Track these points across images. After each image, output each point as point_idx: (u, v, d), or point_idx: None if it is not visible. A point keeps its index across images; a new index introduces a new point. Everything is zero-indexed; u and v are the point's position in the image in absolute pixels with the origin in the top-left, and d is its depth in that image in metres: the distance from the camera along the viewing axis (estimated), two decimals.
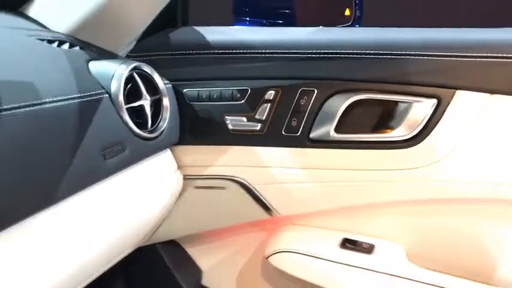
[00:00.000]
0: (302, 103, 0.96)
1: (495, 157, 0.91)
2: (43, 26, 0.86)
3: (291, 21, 1.50)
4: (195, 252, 1.27)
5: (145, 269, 1.26)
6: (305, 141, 0.98)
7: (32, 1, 0.88)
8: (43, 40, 0.79)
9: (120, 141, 0.81)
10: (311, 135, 0.97)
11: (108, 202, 0.81)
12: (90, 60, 0.84)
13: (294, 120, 0.97)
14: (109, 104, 0.80)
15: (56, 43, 0.81)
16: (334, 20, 1.44)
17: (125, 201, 0.85)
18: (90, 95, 0.76)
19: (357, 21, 1.53)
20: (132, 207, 0.87)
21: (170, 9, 1.07)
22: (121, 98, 0.81)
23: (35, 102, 0.64)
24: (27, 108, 0.62)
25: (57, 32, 0.85)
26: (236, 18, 1.47)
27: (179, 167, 1.04)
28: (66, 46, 0.83)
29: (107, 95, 0.80)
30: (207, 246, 1.25)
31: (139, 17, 0.94)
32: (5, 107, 0.59)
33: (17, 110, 0.61)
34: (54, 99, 0.68)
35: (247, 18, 1.46)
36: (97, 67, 0.83)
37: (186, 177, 1.05)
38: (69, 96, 0.71)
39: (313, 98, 0.96)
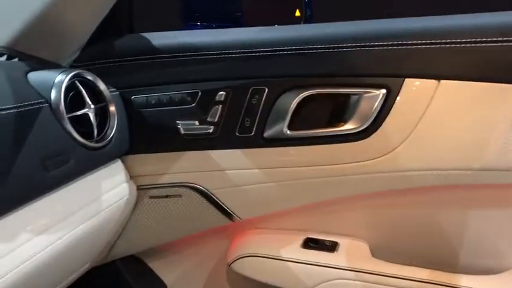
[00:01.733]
0: (254, 102, 0.94)
1: (447, 144, 0.91)
2: None
3: (241, 24, 1.49)
4: (158, 266, 1.23)
5: (106, 286, 1.21)
6: (259, 141, 0.96)
7: None
8: None
9: (63, 151, 0.77)
10: (265, 135, 0.95)
11: (55, 217, 0.77)
12: (30, 71, 0.80)
13: (247, 121, 0.95)
14: (49, 113, 0.76)
15: None
16: (284, 21, 1.44)
17: (73, 215, 0.81)
18: (28, 105, 0.73)
19: (307, 21, 1.54)
20: (82, 221, 0.83)
21: (115, 17, 1.04)
22: (62, 106, 0.77)
23: None
24: None
25: None
26: (184, 24, 1.45)
27: (132, 177, 1.00)
28: (3, 58, 0.79)
29: (47, 104, 0.76)
30: (169, 259, 1.21)
31: (81, 26, 0.91)
32: None
33: None
34: None
35: (196, 23, 1.44)
36: (36, 77, 0.79)
37: (140, 188, 1.02)
38: (4, 107, 0.68)
39: (264, 97, 0.94)
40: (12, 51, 0.83)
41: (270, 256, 1.03)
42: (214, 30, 1.02)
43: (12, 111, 0.69)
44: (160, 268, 1.23)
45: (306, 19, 1.48)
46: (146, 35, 1.04)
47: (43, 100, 0.76)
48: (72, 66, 0.97)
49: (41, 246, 0.73)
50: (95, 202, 0.87)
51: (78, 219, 0.82)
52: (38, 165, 0.71)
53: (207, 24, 1.43)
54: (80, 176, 0.83)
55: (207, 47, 0.96)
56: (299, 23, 1.45)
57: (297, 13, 1.46)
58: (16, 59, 0.84)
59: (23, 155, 0.69)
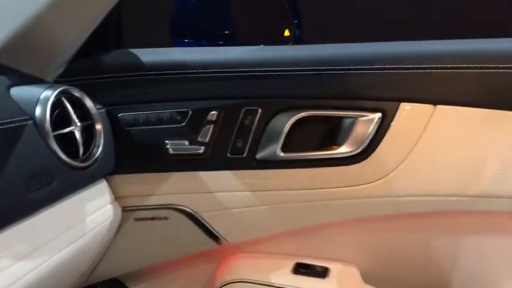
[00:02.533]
0: (246, 123, 0.92)
1: (442, 169, 0.90)
2: None
3: (230, 43, 1.47)
4: None
5: None
6: (251, 163, 0.93)
7: None
8: None
9: (47, 171, 0.73)
10: (257, 156, 0.93)
11: (36, 241, 0.72)
12: (12, 85, 0.76)
13: (239, 141, 0.93)
14: (34, 131, 0.72)
15: None
16: (274, 41, 1.43)
17: (56, 239, 0.76)
18: (11, 122, 0.69)
19: (296, 42, 1.53)
20: (65, 245, 0.79)
21: (102, 32, 1.01)
22: (47, 124, 0.73)
23: None
24: None
25: None
26: (174, 41, 1.42)
27: (117, 198, 0.96)
28: None
29: (31, 121, 0.72)
30: (152, 283, 1.17)
31: (67, 40, 0.87)
32: None
33: None
34: None
35: (186, 41, 1.42)
36: (20, 92, 0.75)
37: (125, 209, 0.98)
38: None
39: (257, 117, 0.92)
40: None
41: (260, 282, 1.00)
42: (207, 48, 1.00)
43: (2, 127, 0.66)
44: None
45: (295, 40, 1.47)
46: (134, 51, 1.01)
47: (27, 117, 0.72)
48: (56, 82, 0.93)
49: (22, 273, 0.69)
50: (79, 224, 0.83)
51: (62, 243, 0.78)
52: (20, 186, 0.67)
53: (195, 42, 1.41)
54: (63, 197, 0.79)
55: (199, 65, 0.93)
56: (288, 43, 1.44)
57: (286, 33, 1.46)
58: None
59: (5, 175, 0.65)
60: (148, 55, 0.98)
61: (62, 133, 0.78)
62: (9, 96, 0.74)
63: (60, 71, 0.94)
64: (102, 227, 0.89)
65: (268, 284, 1.00)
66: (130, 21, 1.18)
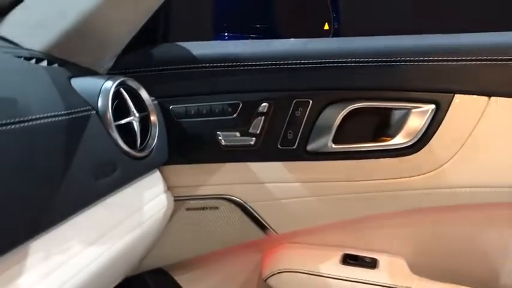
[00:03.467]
0: (297, 115, 0.93)
1: (495, 161, 0.90)
2: (15, 43, 0.80)
3: (271, 37, 1.48)
4: (184, 281, 1.19)
5: None
6: (302, 154, 0.94)
7: (1, 19, 0.83)
8: (20, 57, 0.73)
9: (110, 160, 0.75)
10: (308, 148, 0.94)
11: (102, 227, 0.74)
12: (72, 77, 0.78)
13: (290, 133, 0.93)
14: (97, 121, 0.74)
15: (34, 60, 0.75)
16: (313, 34, 1.44)
17: (119, 225, 0.78)
18: (77, 112, 0.71)
19: (335, 34, 1.53)
20: (127, 232, 0.81)
21: (151, 26, 1.03)
22: (109, 114, 0.75)
23: (22, 119, 0.59)
24: (16, 125, 0.57)
25: (31, 50, 0.79)
26: (216, 35, 1.44)
27: (169, 188, 0.98)
28: (44, 63, 0.77)
29: (94, 111, 0.74)
30: (196, 273, 1.19)
31: (119, 34, 0.89)
32: None
33: (5, 127, 0.55)
34: (41, 115, 0.62)
35: (228, 34, 1.44)
36: (81, 83, 0.77)
37: (176, 199, 0.99)
38: (56, 113, 0.66)
39: (308, 109, 0.92)
40: (50, 57, 0.81)
41: (309, 272, 1.01)
42: (254, 40, 1.01)
43: (63, 117, 0.67)
44: (186, 282, 1.19)
45: (334, 33, 1.47)
46: (184, 44, 1.03)
47: (90, 107, 0.74)
48: (108, 74, 0.95)
49: (92, 257, 0.71)
50: (137, 213, 0.85)
51: (123, 231, 0.80)
52: (89, 172, 0.69)
53: (236, 35, 1.42)
54: (125, 185, 0.81)
55: (250, 57, 0.94)
56: (327, 36, 1.45)
57: (326, 26, 1.46)
58: (56, 65, 0.82)
59: (75, 162, 0.67)
60: (199, 48, 0.99)
61: (122, 123, 0.80)
62: (71, 87, 0.76)
63: (111, 63, 0.96)
64: (157, 216, 0.91)
65: (317, 274, 1.00)
66: (176, 15, 1.19)
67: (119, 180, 0.78)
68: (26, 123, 0.59)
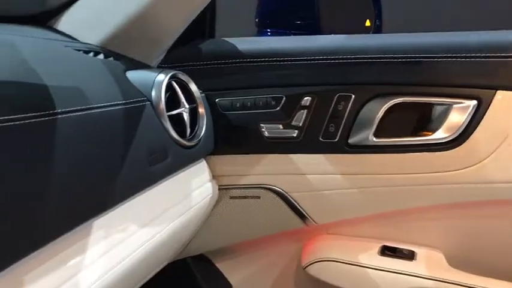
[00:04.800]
0: (339, 108, 0.96)
1: None
2: (73, 38, 0.86)
3: (313, 33, 1.51)
4: (224, 267, 1.24)
5: (175, 285, 1.23)
6: (343, 147, 0.97)
7: (59, 15, 0.89)
8: (79, 51, 0.79)
9: (162, 148, 0.80)
10: (349, 141, 0.96)
11: (154, 211, 0.79)
12: (126, 69, 0.84)
13: (332, 126, 0.96)
14: (151, 111, 0.79)
15: (92, 53, 0.81)
16: (354, 31, 1.46)
17: (168, 211, 0.83)
18: (133, 102, 0.76)
19: (376, 31, 1.55)
20: (175, 218, 0.85)
21: (197, 21, 1.07)
22: (162, 105, 0.80)
23: (84, 107, 0.64)
24: (78, 113, 0.62)
25: (88, 44, 0.84)
26: (260, 30, 1.48)
27: (214, 177, 1.03)
28: (101, 56, 0.83)
29: (149, 102, 0.79)
30: (236, 260, 1.23)
31: (170, 29, 0.94)
32: (58, 110, 0.58)
33: (69, 114, 0.60)
34: (101, 104, 0.67)
35: (271, 30, 1.47)
36: (135, 76, 0.82)
37: (220, 188, 1.04)
38: (114, 103, 0.71)
39: (350, 103, 0.95)
40: (106, 51, 0.86)
41: (348, 262, 1.04)
42: (297, 36, 1.04)
43: (121, 107, 0.72)
44: (226, 268, 1.24)
45: (375, 29, 1.49)
46: (230, 39, 1.07)
47: (145, 98, 0.79)
48: (159, 67, 1.00)
49: (146, 238, 0.76)
50: (185, 199, 0.90)
51: (172, 215, 0.84)
52: (144, 159, 0.74)
53: (278, 32, 1.46)
54: (175, 172, 0.86)
55: (294, 52, 0.98)
56: (368, 32, 1.46)
57: (367, 23, 1.48)
58: (111, 58, 0.88)
59: (132, 148, 0.71)
60: (244, 44, 1.03)
61: (173, 114, 0.84)
62: (127, 79, 0.81)
63: (162, 57, 1.01)
64: (203, 203, 0.95)
65: (356, 263, 1.03)
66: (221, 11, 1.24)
67: (169, 167, 0.83)
68: (89, 111, 0.64)
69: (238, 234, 1.12)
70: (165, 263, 0.99)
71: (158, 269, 0.96)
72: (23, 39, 0.70)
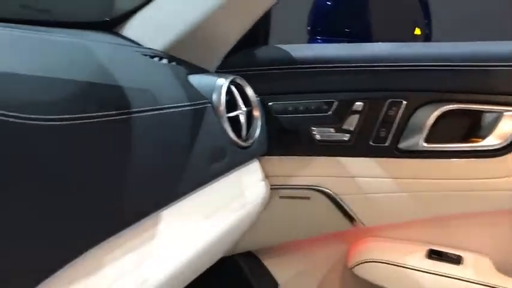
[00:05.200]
0: (391, 114, 0.98)
1: None
2: (137, 43, 0.92)
3: (363, 41, 1.53)
4: (272, 265, 1.28)
5: (224, 281, 1.28)
6: (394, 152, 1.00)
7: (125, 22, 0.95)
8: (145, 55, 0.85)
9: (221, 147, 0.85)
10: (400, 146, 0.99)
11: (212, 207, 0.84)
12: (188, 74, 0.90)
13: (383, 131, 0.99)
14: (212, 113, 0.85)
15: (157, 58, 0.87)
16: (404, 38, 1.48)
17: (225, 207, 0.88)
18: (196, 104, 0.81)
19: (426, 40, 1.56)
20: (230, 214, 0.90)
21: (252, 29, 1.12)
22: (222, 107, 0.86)
23: (154, 107, 0.70)
24: (149, 112, 0.68)
25: (152, 49, 0.91)
26: (311, 38, 1.52)
27: (266, 177, 1.08)
28: (165, 61, 0.89)
29: (210, 104, 0.85)
30: (283, 259, 1.27)
31: (229, 36, 0.99)
32: (133, 109, 0.64)
33: (142, 114, 0.66)
34: (169, 105, 0.73)
35: (323, 38, 1.51)
36: (196, 80, 0.88)
37: (271, 187, 1.09)
38: (180, 104, 0.77)
39: (402, 109, 0.98)
40: (169, 56, 0.93)
41: (395, 263, 1.06)
42: (349, 44, 1.08)
43: (186, 108, 0.78)
44: (273, 267, 1.28)
45: (425, 38, 1.51)
46: (283, 46, 1.12)
47: (206, 101, 0.85)
48: (216, 72, 1.06)
49: (204, 232, 0.81)
50: (240, 197, 0.94)
51: (227, 212, 0.89)
52: (205, 157, 0.80)
53: (329, 39, 1.50)
54: (231, 171, 0.91)
55: (347, 59, 1.01)
56: (418, 41, 1.48)
57: (417, 31, 1.49)
58: (174, 63, 0.94)
59: (195, 146, 0.77)
60: (296, 50, 1.08)
61: (231, 116, 0.90)
62: (189, 82, 0.87)
63: (219, 63, 1.06)
64: (255, 202, 1.00)
65: (403, 265, 1.05)
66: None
67: (226, 166, 0.88)
68: (159, 111, 0.70)
69: (287, 233, 1.16)
70: (217, 259, 1.04)
71: (210, 265, 1.01)
72: (96, 44, 0.76)
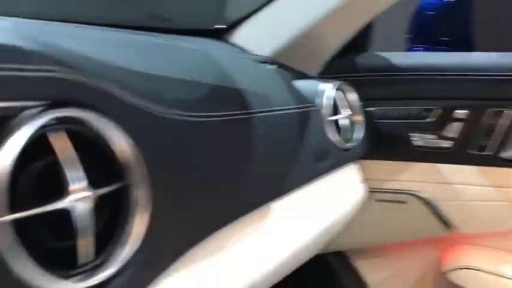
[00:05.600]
0: (493, 122, 0.99)
1: None
2: (246, 50, 0.99)
3: (465, 50, 1.52)
4: (362, 266, 1.31)
5: (314, 279, 1.32)
6: (495, 160, 1.00)
7: (233, 30, 1.03)
8: (255, 61, 0.92)
9: (325, 148, 0.90)
10: (502, 155, 0.99)
11: (315, 203, 0.90)
12: (293, 78, 0.96)
13: (485, 139, 1.00)
14: (316, 116, 0.90)
15: (266, 64, 0.94)
16: (507, 47, 1.44)
17: (322, 204, 0.93)
18: (303, 107, 0.87)
19: None
20: (324, 213, 0.95)
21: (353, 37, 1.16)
22: (326, 111, 0.91)
23: (269, 109, 0.76)
24: (265, 113, 0.74)
25: (259, 55, 0.98)
26: (410, 46, 1.53)
27: (363, 180, 1.11)
28: (272, 67, 0.96)
29: (315, 108, 0.90)
30: (374, 260, 1.29)
31: (333, 44, 1.04)
32: (253, 110, 0.71)
33: (260, 114, 0.73)
34: (280, 107, 0.80)
35: (422, 46, 1.52)
36: (302, 84, 0.94)
37: (368, 190, 1.12)
38: (289, 107, 0.83)
39: (504, 118, 0.98)
40: (275, 62, 0.99)
41: (492, 272, 1.06)
42: (454, 52, 1.09)
43: (294, 111, 0.84)
44: (364, 268, 1.31)
45: None
46: (383, 54, 1.15)
47: (312, 104, 0.90)
48: (318, 77, 1.11)
49: (307, 227, 0.87)
50: (338, 197, 0.99)
51: (326, 211, 0.94)
52: (310, 156, 0.85)
53: (429, 47, 1.50)
54: (332, 171, 0.96)
55: (449, 67, 1.03)
56: None
57: None
58: (281, 68, 1.00)
59: (302, 146, 0.83)
60: (398, 58, 1.11)
61: (334, 119, 0.95)
62: (295, 87, 0.93)
63: (321, 68, 1.12)
64: (353, 203, 1.04)
65: (499, 274, 1.05)
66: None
67: (328, 167, 0.93)
68: (272, 112, 0.77)
69: (380, 236, 1.18)
70: (311, 256, 1.09)
71: (305, 261, 1.06)
72: (215, 51, 0.85)
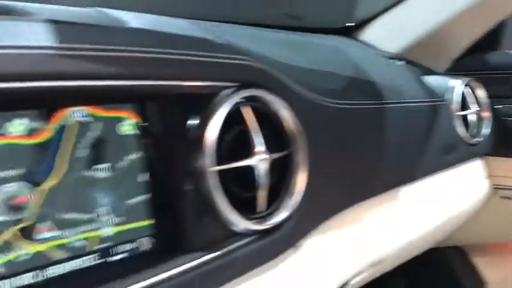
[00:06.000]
0: None
1: None
2: (374, 47, 1.05)
3: None
4: (481, 263, 1.31)
5: (431, 272, 1.35)
6: None
7: (362, 28, 1.09)
8: (385, 57, 0.98)
9: (451, 142, 0.94)
10: None
11: (437, 194, 0.94)
12: (422, 74, 1.00)
13: None
14: (445, 110, 0.94)
15: (395, 60, 1.00)
16: None
17: (443, 198, 0.96)
18: (433, 101, 0.92)
19: None
20: (447, 205, 0.98)
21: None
22: (455, 106, 0.95)
23: (402, 100, 0.83)
24: (399, 104, 0.81)
25: (387, 52, 1.03)
26: None
27: (488, 176, 1.13)
28: (402, 62, 1.01)
29: (444, 102, 0.94)
30: (494, 258, 1.29)
31: (463, 42, 1.07)
32: (390, 101, 0.78)
33: (395, 105, 0.79)
34: (412, 100, 0.86)
35: None
36: (430, 80, 0.98)
37: (493, 187, 1.13)
38: (420, 100, 0.89)
39: None
40: (403, 58, 1.04)
41: None
42: None
43: (425, 103, 0.90)
44: (483, 265, 1.31)
45: None
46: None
47: (441, 98, 0.95)
48: (445, 74, 1.14)
49: (430, 216, 0.92)
50: (462, 191, 1.02)
51: (450, 204, 0.98)
52: (438, 148, 0.90)
53: None
54: (457, 165, 0.99)
55: None
56: None
57: None
58: (409, 64, 1.05)
59: (431, 137, 0.88)
60: None
61: (462, 114, 0.98)
62: (423, 82, 0.98)
63: (448, 65, 1.14)
64: (476, 198, 1.06)
65: None
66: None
67: (454, 160, 0.96)
68: (405, 104, 0.83)
69: (502, 233, 1.18)
70: (428, 247, 1.12)
71: (422, 251, 1.09)
72: (347, 48, 0.92)
